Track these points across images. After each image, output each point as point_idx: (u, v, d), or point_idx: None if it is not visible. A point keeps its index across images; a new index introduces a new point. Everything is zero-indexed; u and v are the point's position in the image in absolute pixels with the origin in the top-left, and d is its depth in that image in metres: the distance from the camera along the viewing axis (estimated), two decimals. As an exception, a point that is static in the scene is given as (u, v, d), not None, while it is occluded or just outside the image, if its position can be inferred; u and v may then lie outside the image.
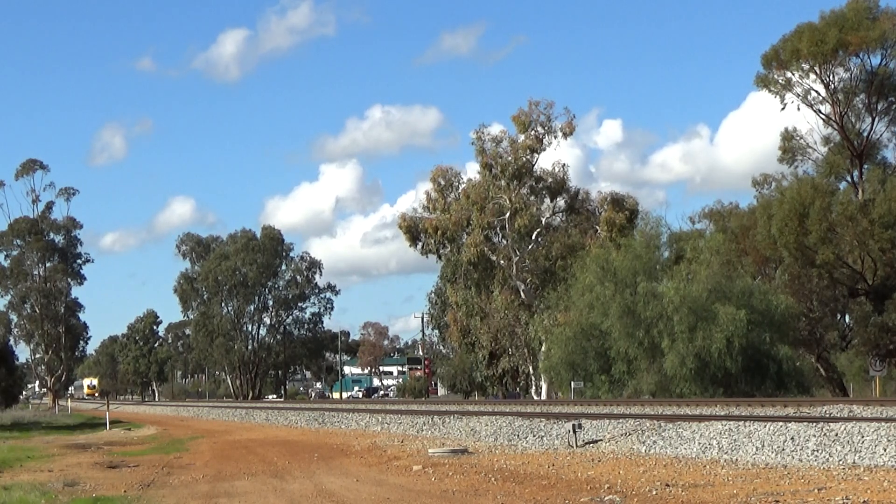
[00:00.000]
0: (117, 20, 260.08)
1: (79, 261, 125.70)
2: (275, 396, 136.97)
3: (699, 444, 22.93)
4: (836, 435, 20.60)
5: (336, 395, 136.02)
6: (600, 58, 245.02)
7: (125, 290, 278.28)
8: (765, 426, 22.75)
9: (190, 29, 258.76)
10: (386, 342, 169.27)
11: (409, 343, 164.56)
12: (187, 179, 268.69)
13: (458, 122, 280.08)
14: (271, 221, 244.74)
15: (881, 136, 63.09)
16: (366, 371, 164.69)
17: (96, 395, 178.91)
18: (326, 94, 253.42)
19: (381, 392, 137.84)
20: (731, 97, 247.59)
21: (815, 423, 22.12)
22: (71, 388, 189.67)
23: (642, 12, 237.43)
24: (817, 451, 20.05)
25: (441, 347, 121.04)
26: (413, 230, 73.91)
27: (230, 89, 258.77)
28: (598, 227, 69.94)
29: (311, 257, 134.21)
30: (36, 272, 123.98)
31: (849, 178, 62.81)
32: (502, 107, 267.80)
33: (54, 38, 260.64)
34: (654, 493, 16.71)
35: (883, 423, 20.89)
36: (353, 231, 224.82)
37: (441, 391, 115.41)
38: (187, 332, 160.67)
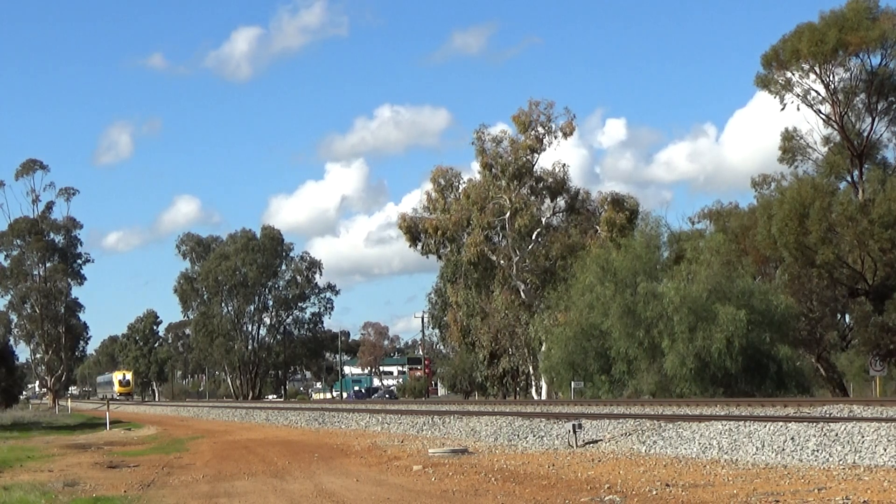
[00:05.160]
0: (128, 17, 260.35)
1: (79, 261, 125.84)
2: (275, 396, 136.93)
3: (699, 444, 22.93)
4: (836, 435, 20.59)
5: (346, 395, 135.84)
6: (609, 57, 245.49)
7: (126, 290, 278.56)
8: (765, 426, 22.74)
9: (202, 27, 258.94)
10: (386, 342, 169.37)
11: (410, 343, 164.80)
12: (193, 178, 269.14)
13: (466, 123, 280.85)
14: (275, 220, 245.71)
15: (881, 136, 63.19)
16: (366, 371, 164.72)
17: (131, 392, 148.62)
18: (336, 94, 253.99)
19: (382, 392, 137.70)
20: (737, 95, 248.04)
21: (815, 423, 22.11)
22: (72, 388, 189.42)
23: (652, 11, 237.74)
24: (817, 451, 20.05)
25: (441, 347, 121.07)
26: (413, 230, 73.96)
27: (240, 88, 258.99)
28: (598, 227, 69.97)
29: (311, 257, 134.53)
30: (36, 272, 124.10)
31: (849, 178, 62.81)
32: (510, 107, 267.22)
33: (62, 36, 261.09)
34: (655, 493, 16.71)
35: (883, 423, 20.89)
36: (357, 230, 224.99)
37: (441, 391, 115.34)
38: (187, 332, 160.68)
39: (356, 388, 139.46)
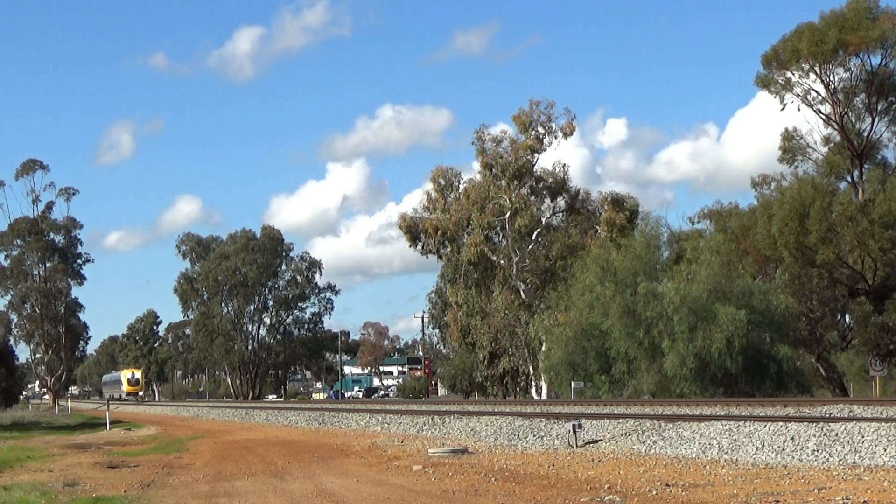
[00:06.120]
0: (130, 16, 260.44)
1: (79, 261, 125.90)
2: (275, 396, 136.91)
3: (699, 444, 22.93)
4: (836, 435, 20.60)
5: (347, 395, 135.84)
6: (610, 57, 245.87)
7: (126, 290, 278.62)
8: (765, 426, 22.75)
9: (204, 26, 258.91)
10: (386, 342, 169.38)
11: (410, 343, 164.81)
12: (194, 178, 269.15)
13: (467, 123, 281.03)
14: (276, 220, 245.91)
15: (881, 136, 63.20)
16: (366, 371, 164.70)
17: (140, 392, 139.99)
18: (337, 93, 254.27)
19: (381, 392, 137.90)
20: (738, 95, 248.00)
21: (815, 423, 22.12)
22: (72, 388, 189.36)
23: (652, 11, 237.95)
24: (817, 451, 20.05)
25: (441, 347, 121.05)
26: (413, 230, 73.94)
27: (242, 88, 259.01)
28: (598, 227, 69.98)
29: (310, 257, 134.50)
30: (36, 272, 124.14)
31: (849, 178, 62.83)
32: (512, 107, 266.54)
33: (63, 36, 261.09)
34: (655, 493, 16.71)
35: (883, 423, 20.89)
36: (358, 230, 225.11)
37: (441, 391, 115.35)
38: (187, 332, 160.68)
39: (334, 388, 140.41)
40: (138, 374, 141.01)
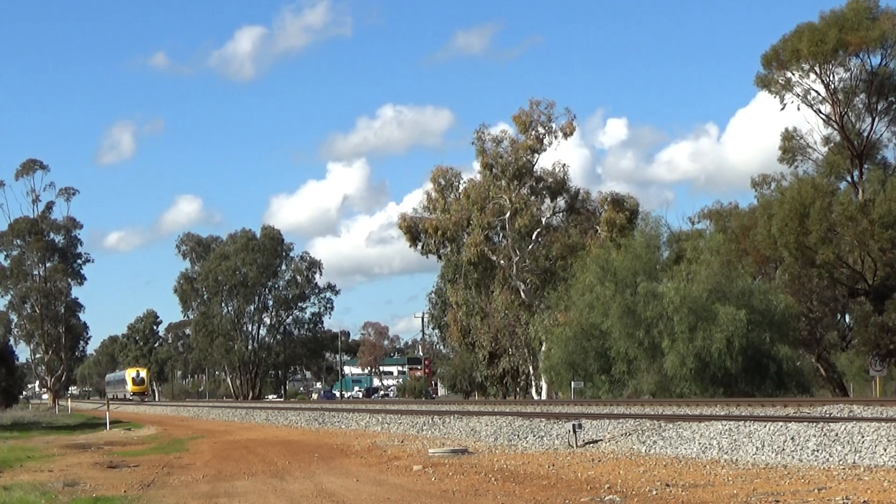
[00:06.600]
0: (131, 16, 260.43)
1: (79, 261, 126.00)
2: (275, 396, 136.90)
3: (699, 444, 22.93)
4: (836, 435, 20.59)
5: (347, 395, 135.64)
6: (611, 56, 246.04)
7: (126, 290, 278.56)
8: (765, 426, 22.75)
9: (206, 26, 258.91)
10: (386, 342, 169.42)
11: (410, 343, 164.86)
12: (194, 178, 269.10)
13: (468, 123, 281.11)
14: (276, 220, 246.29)
15: (881, 136, 63.20)
16: (366, 371, 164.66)
17: (146, 393, 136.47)
18: (338, 93, 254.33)
19: (381, 392, 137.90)
20: (739, 95, 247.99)
21: (815, 423, 22.11)
22: (72, 388, 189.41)
23: (652, 11, 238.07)
24: (817, 451, 20.05)
25: (441, 347, 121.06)
26: (413, 230, 73.93)
27: (243, 88, 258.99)
28: (598, 227, 69.97)
29: (310, 257, 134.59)
30: (36, 272, 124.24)
31: (849, 178, 62.83)
32: (513, 107, 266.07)
33: (64, 35, 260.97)
34: (655, 493, 16.71)
35: (883, 423, 20.89)
36: (358, 230, 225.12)
37: (441, 391, 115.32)
38: (187, 332, 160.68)
39: (325, 389, 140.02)
40: (143, 374, 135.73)
